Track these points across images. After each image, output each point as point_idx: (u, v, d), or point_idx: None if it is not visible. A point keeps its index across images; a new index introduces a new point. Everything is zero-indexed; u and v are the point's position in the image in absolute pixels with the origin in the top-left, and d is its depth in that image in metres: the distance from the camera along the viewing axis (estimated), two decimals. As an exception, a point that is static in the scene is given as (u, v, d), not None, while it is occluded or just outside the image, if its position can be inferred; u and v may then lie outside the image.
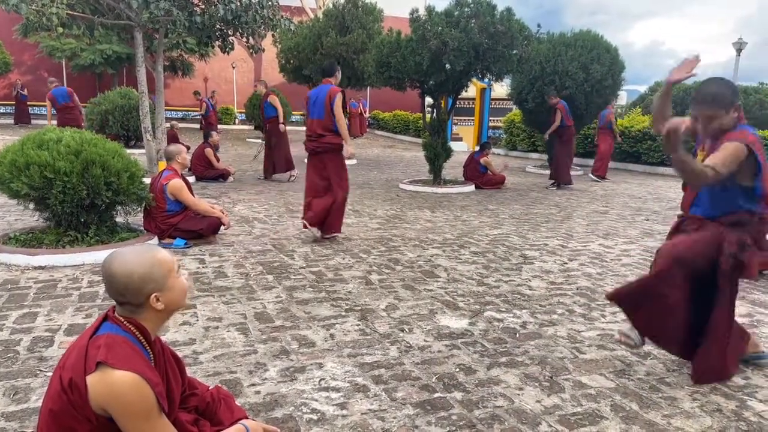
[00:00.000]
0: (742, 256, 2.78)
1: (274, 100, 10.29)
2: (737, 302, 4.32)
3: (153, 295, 1.70)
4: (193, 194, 5.76)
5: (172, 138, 12.74)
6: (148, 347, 1.71)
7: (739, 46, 13.90)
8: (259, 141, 10.92)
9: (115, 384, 1.54)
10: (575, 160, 15.88)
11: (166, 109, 11.59)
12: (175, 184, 5.49)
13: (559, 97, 11.22)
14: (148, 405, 1.58)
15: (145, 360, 1.65)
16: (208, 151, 10.18)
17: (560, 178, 10.94)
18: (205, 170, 10.10)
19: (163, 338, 3.20)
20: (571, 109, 12.19)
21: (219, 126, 19.31)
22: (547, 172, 13.23)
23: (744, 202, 2.82)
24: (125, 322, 1.69)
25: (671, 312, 2.82)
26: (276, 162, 10.62)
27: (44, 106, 23.98)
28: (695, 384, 2.89)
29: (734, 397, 2.77)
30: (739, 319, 3.89)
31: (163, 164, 8.28)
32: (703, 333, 2.87)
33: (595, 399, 2.72)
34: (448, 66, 8.72)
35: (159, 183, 5.54)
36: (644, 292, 2.85)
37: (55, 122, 11.86)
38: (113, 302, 1.75)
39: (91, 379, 1.56)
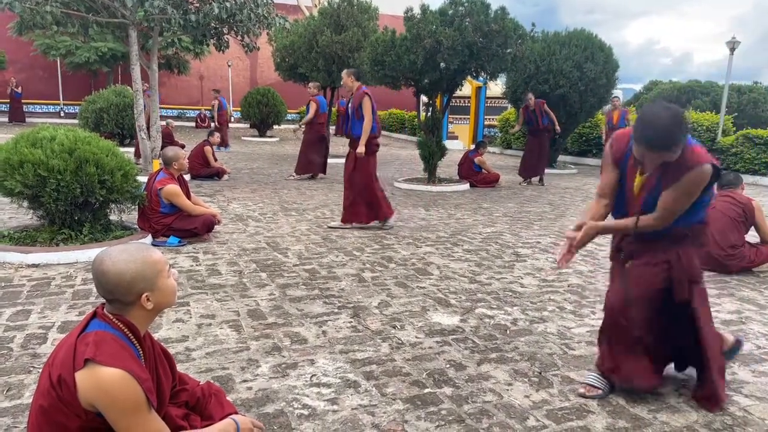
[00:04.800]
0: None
1: (310, 104, 10.32)
2: (726, 299, 4.37)
3: (144, 294, 1.72)
4: (189, 195, 5.77)
5: (167, 136, 12.74)
6: (137, 344, 1.73)
7: (733, 45, 13.92)
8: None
9: (103, 380, 1.57)
10: (573, 158, 16.00)
11: (161, 108, 11.60)
12: (170, 189, 5.48)
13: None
14: (137, 400, 1.60)
15: (134, 356, 1.67)
16: (208, 149, 10.19)
17: (542, 169, 11.12)
18: (201, 168, 10.10)
19: (156, 335, 3.22)
20: (565, 108, 12.28)
21: (213, 124, 19.23)
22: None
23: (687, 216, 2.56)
24: (114, 320, 1.71)
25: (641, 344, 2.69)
26: (298, 161, 10.73)
27: (39, 104, 24.00)
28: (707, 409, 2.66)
29: (720, 392, 2.81)
30: (727, 316, 3.95)
31: (157, 163, 8.30)
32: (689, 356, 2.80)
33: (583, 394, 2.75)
34: (442, 65, 8.74)
35: (153, 185, 5.53)
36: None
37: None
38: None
39: (80, 376, 1.58)
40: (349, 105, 6.32)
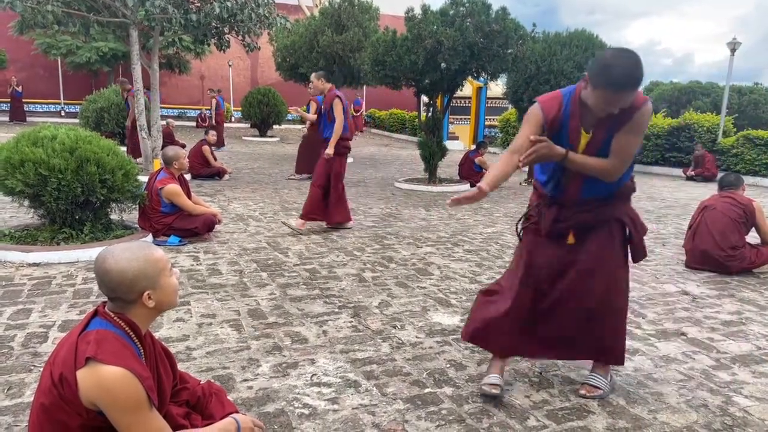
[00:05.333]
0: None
1: (310, 103, 10.38)
2: (726, 299, 4.37)
3: (146, 293, 1.72)
4: (190, 194, 5.78)
5: (168, 136, 12.74)
6: (138, 342, 1.73)
7: (733, 46, 13.92)
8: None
9: (105, 379, 1.57)
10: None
11: (162, 107, 11.61)
12: (171, 189, 5.49)
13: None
14: (138, 399, 1.60)
15: (135, 355, 1.67)
16: (206, 148, 10.19)
17: None
18: (201, 168, 10.10)
19: (157, 334, 3.22)
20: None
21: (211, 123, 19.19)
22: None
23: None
24: (115, 318, 1.71)
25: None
26: (297, 161, 10.82)
27: (39, 103, 24.01)
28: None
29: (720, 393, 2.81)
30: (727, 317, 3.95)
31: (158, 162, 8.31)
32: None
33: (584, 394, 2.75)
34: (443, 65, 8.75)
35: (154, 185, 5.54)
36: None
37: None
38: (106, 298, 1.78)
39: (81, 374, 1.58)
40: (322, 107, 6.27)
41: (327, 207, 6.28)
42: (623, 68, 2.26)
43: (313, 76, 6.30)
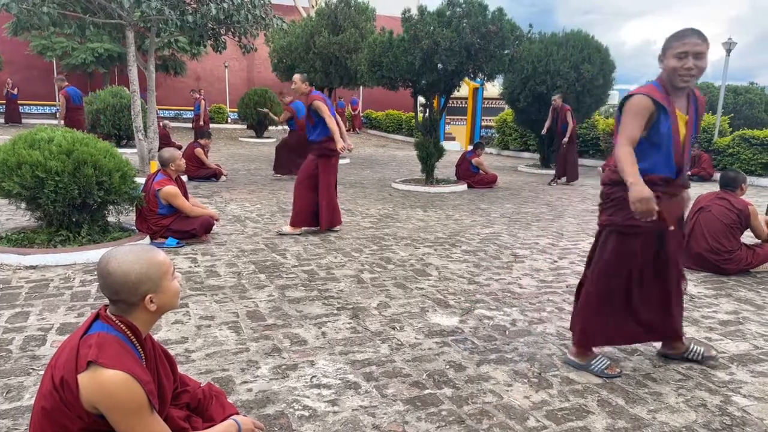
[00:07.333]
0: None
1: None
2: (723, 299, 4.39)
3: (148, 296, 1.72)
4: (187, 196, 5.77)
5: (164, 137, 12.71)
6: (139, 346, 1.73)
7: (729, 46, 13.98)
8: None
9: (106, 382, 1.57)
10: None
11: (158, 109, 11.58)
12: (169, 191, 5.48)
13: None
14: (139, 403, 1.60)
15: (136, 359, 1.67)
16: (198, 151, 10.16)
17: (572, 176, 11.47)
18: (197, 170, 10.07)
19: (156, 337, 3.22)
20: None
21: (211, 125, 19.15)
22: (539, 171, 13.31)
23: None
24: (117, 321, 1.71)
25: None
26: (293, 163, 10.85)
27: (35, 105, 23.92)
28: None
29: (719, 393, 2.82)
30: (725, 317, 3.97)
31: (155, 164, 8.29)
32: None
33: (583, 394, 2.76)
34: (439, 66, 8.76)
35: (152, 186, 5.53)
36: None
37: (62, 122, 11.77)
38: (105, 301, 1.77)
39: (83, 378, 1.58)
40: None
41: (318, 212, 6.14)
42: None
43: (297, 77, 6.01)
